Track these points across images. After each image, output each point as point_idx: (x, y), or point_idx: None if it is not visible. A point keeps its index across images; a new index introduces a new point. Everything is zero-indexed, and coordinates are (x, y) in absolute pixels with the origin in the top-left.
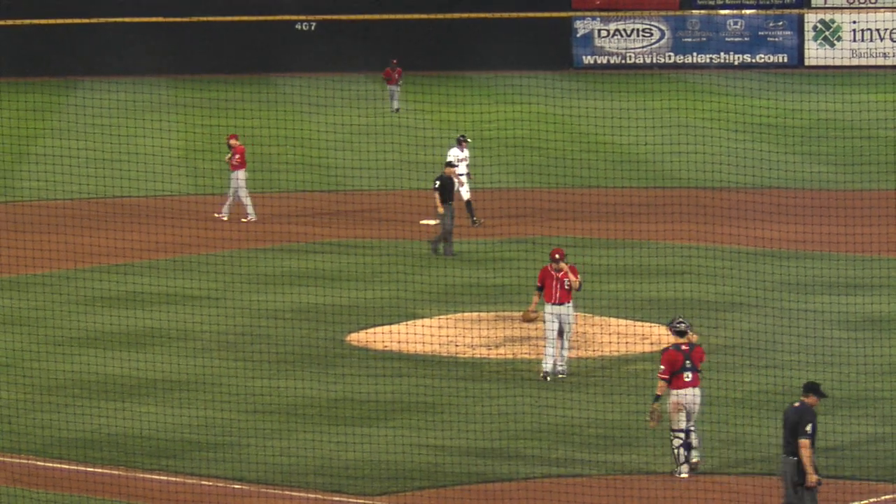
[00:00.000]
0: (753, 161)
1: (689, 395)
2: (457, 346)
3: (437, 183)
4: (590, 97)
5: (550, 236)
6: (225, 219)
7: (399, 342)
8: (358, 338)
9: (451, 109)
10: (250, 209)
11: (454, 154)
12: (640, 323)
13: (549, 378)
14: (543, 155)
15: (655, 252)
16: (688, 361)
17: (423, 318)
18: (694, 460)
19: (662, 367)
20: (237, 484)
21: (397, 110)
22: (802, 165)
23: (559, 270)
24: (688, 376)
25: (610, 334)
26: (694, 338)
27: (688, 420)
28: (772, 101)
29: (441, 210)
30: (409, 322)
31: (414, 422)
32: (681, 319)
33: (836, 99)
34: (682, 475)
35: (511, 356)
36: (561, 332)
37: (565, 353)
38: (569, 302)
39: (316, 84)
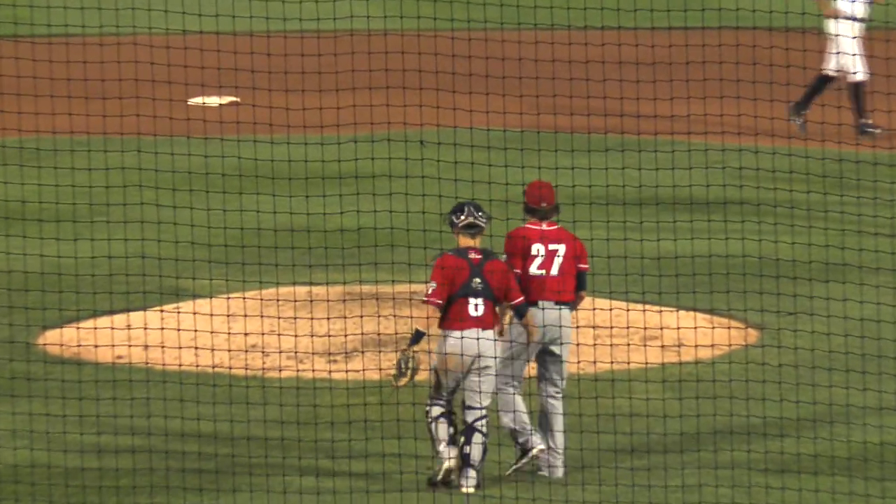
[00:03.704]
0: None
1: (472, 343)
2: (264, 354)
3: None
4: None
5: (459, 128)
6: None
7: (146, 347)
8: (62, 338)
9: None
10: None
11: None
12: (634, 306)
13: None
14: None
15: (663, 159)
16: (476, 280)
17: (193, 297)
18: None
19: (433, 283)
20: None
21: None
22: None
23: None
24: (475, 308)
25: (587, 326)
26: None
27: (465, 389)
28: None
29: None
30: (163, 305)
31: None
32: (472, 205)
33: None
34: (468, 489)
35: (375, 376)
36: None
37: (559, 444)
38: (563, 304)
39: None
